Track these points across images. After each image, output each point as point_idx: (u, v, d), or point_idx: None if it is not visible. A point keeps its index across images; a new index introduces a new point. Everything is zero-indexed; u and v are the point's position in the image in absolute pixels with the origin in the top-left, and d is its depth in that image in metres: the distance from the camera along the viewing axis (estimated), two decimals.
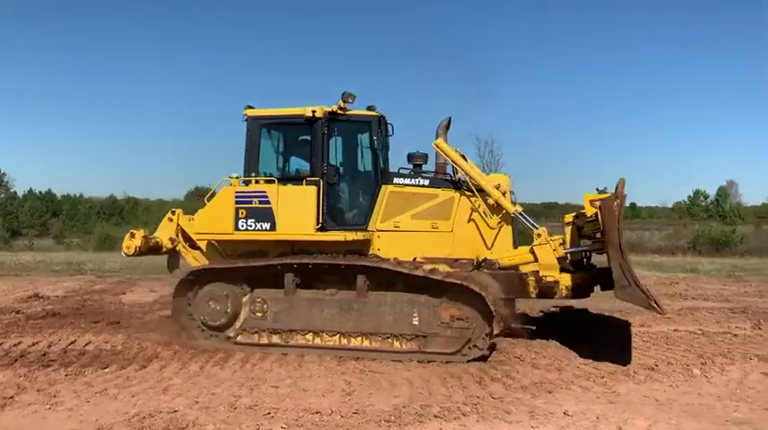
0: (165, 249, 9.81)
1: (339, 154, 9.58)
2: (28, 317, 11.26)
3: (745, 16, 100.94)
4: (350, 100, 8.80)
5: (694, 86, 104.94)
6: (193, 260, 9.69)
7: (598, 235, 8.34)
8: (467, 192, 9.12)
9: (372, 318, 8.24)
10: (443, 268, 8.49)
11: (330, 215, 8.86)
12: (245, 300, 8.73)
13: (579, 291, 8.58)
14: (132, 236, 9.44)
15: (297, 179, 8.97)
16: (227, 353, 8.37)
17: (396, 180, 9.20)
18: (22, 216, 58.10)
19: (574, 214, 9.05)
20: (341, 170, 9.42)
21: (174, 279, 9.51)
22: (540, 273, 8.59)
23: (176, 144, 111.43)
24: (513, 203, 9.11)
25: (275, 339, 8.58)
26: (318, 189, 8.69)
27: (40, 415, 5.92)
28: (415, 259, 8.77)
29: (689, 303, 13.52)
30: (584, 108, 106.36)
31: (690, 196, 76.56)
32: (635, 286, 7.44)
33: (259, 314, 8.60)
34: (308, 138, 9.11)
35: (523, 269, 8.76)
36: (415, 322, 8.12)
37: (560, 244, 8.75)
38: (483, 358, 7.91)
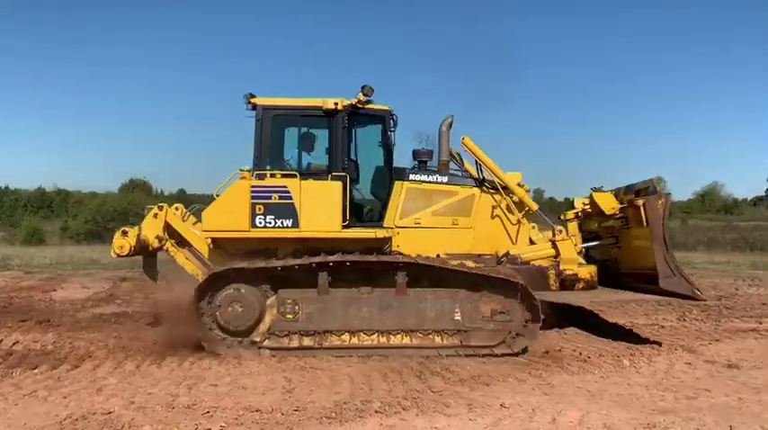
0: (150, 249, 9.15)
1: (355, 148, 9.30)
2: None
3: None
4: (370, 93, 8.64)
5: (629, 83, 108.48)
6: (185, 261, 9.12)
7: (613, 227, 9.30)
8: (488, 190, 9.31)
9: (414, 315, 8.21)
10: (470, 264, 8.53)
11: (352, 212, 8.67)
12: (269, 302, 8.25)
13: (593, 283, 9.06)
14: (125, 234, 8.76)
15: (315, 174, 8.64)
16: (162, 352, 8.16)
17: (412, 176, 9.12)
18: None
19: (575, 211, 9.52)
20: (358, 165, 9.24)
21: (152, 280, 9.59)
22: (561, 267, 8.93)
23: (111, 134, 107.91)
24: None
25: (307, 341, 8.20)
26: (344, 184, 8.46)
27: None
28: (438, 255, 8.79)
29: (618, 296, 13.97)
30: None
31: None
32: (680, 276, 8.35)
33: (290, 316, 8.16)
34: (325, 130, 8.85)
35: (543, 263, 9.08)
36: (458, 317, 8.22)
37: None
38: (524, 350, 8.23)
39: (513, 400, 6.20)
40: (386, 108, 9.02)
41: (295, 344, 8.18)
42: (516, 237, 9.34)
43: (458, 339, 8.26)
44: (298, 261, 8.05)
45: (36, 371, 7.28)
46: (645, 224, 8.49)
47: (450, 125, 9.45)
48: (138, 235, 8.92)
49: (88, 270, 20.67)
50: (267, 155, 8.73)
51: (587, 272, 9.01)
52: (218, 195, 8.54)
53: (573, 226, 9.48)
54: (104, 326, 10.13)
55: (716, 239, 33.97)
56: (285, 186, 8.32)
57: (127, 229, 8.85)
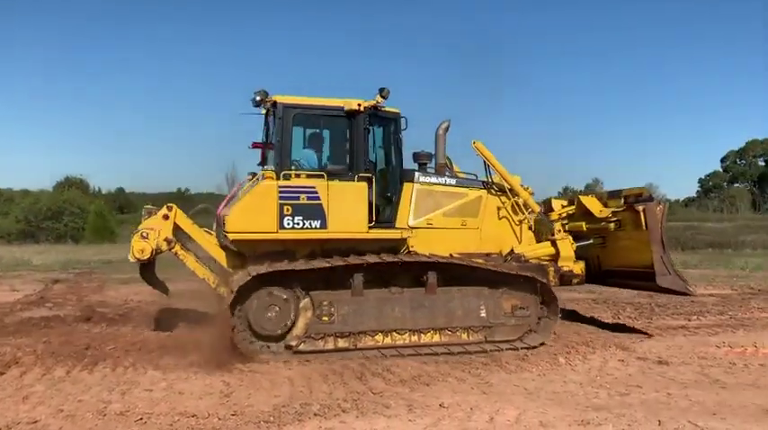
0: (159, 252, 8.59)
1: (373, 150, 9.29)
2: None
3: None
4: (387, 96, 8.67)
5: (570, 85, 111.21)
6: (195, 264, 8.66)
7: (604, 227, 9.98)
8: (494, 192, 9.73)
9: (444, 313, 8.49)
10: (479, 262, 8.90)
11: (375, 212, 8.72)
12: (302, 304, 8.10)
13: (584, 278, 9.91)
14: (145, 237, 8.21)
15: (334, 174, 8.56)
16: (95, 357, 7.89)
17: (421, 178, 9.26)
18: None
19: (559, 212, 10.24)
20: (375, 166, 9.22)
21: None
22: (559, 264, 9.60)
23: (45, 131, 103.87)
24: None
25: (342, 343, 8.19)
26: (370, 185, 8.51)
27: None
28: (451, 255, 8.91)
29: (561, 294, 14.32)
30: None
31: (559, 192, 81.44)
32: (674, 274, 9.29)
33: (326, 318, 8.11)
34: (344, 131, 8.82)
35: (544, 260, 9.68)
36: (483, 314, 8.63)
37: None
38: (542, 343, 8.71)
39: (452, 400, 6.26)
40: (397, 110, 9.10)
41: (330, 346, 8.16)
42: (520, 237, 9.82)
43: (482, 335, 8.69)
44: (341, 262, 8.06)
45: None
46: (644, 227, 9.28)
47: (447, 129, 9.79)
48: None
49: (18, 271, 19.88)
50: (288, 153, 8.56)
51: (580, 268, 9.79)
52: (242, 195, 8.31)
53: (558, 226, 10.05)
54: (33, 330, 9.72)
55: None
56: (313, 187, 8.25)
57: (146, 231, 8.28)
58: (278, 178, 8.25)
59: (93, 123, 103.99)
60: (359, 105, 8.60)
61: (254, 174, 9.06)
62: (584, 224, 10.21)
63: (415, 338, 8.46)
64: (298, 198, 8.15)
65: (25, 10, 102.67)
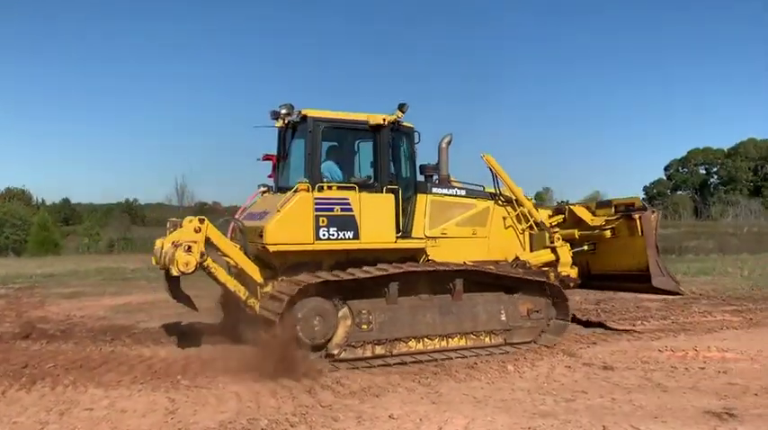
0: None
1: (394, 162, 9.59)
2: None
3: None
4: (406, 110, 9.10)
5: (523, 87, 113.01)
6: (227, 277, 8.41)
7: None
8: (500, 202, 10.30)
9: (470, 318, 8.98)
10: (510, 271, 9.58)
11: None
12: (341, 313, 8.23)
13: (578, 282, 10.60)
14: (189, 249, 7.90)
15: (363, 186, 8.83)
16: (33, 376, 7.60)
17: (434, 190, 9.66)
18: None
19: (551, 223, 10.83)
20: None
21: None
22: (559, 269, 10.19)
23: None
24: None
25: (379, 350, 8.46)
26: (397, 197, 8.88)
27: None
28: (464, 262, 9.27)
29: None
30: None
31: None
32: (668, 275, 10.11)
33: (365, 327, 8.32)
34: (369, 144, 9.28)
35: (545, 267, 10.24)
36: (503, 318, 9.17)
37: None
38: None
39: (401, 411, 6.25)
40: (412, 125, 9.51)
41: (368, 353, 8.40)
42: (524, 244, 10.41)
43: (502, 338, 9.25)
44: (406, 268, 8.44)
45: None
46: (640, 233, 10.01)
47: (450, 142, 10.16)
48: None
49: None
50: (318, 166, 8.79)
51: (575, 273, 10.43)
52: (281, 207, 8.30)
53: (558, 234, 10.54)
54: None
55: None
56: (346, 198, 8.56)
57: (190, 244, 8.01)
58: (311, 190, 8.42)
59: (35, 134, 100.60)
60: (384, 120, 9.00)
61: (265, 186, 9.62)
62: (576, 232, 10.77)
63: (444, 343, 8.86)
64: (332, 209, 8.46)
65: None
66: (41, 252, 37.03)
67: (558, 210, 11.37)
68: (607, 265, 10.77)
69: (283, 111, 8.98)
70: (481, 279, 9.10)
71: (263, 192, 9.67)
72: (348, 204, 8.53)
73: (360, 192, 8.66)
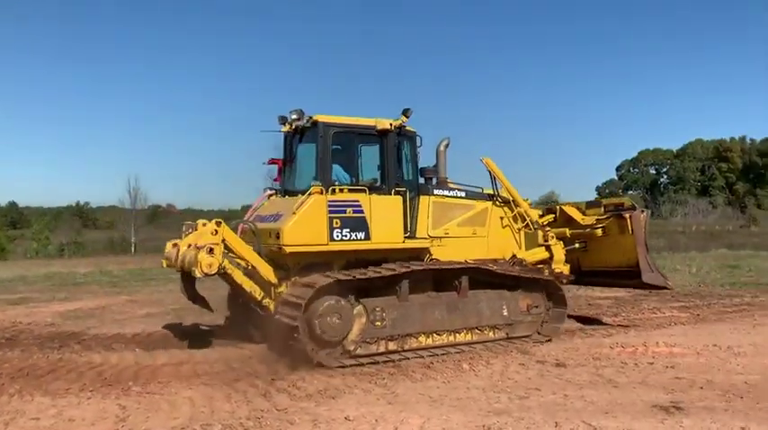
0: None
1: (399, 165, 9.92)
2: None
3: None
4: (410, 115, 9.41)
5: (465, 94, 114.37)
6: (243, 278, 8.65)
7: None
8: (498, 203, 10.69)
9: (475, 314, 9.35)
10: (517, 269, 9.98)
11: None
12: (356, 311, 8.46)
13: (571, 278, 11.08)
14: (212, 251, 8.04)
15: (371, 188, 9.08)
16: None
17: (436, 191, 10.00)
18: None
19: (542, 222, 11.16)
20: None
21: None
22: (553, 266, 10.65)
23: None
24: None
25: (392, 346, 8.73)
26: (405, 198, 9.24)
27: None
28: (465, 260, 9.66)
29: None
30: None
31: None
32: (656, 271, 10.79)
33: (379, 323, 8.58)
34: (376, 148, 9.55)
35: (540, 264, 10.69)
36: (506, 313, 9.59)
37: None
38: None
39: (357, 412, 6.25)
40: (414, 130, 9.84)
41: (382, 349, 8.68)
42: (520, 243, 10.82)
43: (505, 332, 9.64)
44: (417, 266, 8.87)
45: None
46: (630, 232, 10.64)
47: (448, 146, 10.70)
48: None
49: None
50: (330, 169, 9.08)
51: (568, 269, 10.92)
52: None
53: (551, 233, 10.97)
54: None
55: None
56: (357, 200, 8.87)
57: (211, 246, 8.14)
58: (323, 193, 8.69)
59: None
60: (390, 125, 9.32)
61: (271, 190, 10.00)
62: (567, 230, 11.29)
63: (451, 338, 9.23)
64: (344, 211, 8.77)
65: None
66: None
67: (548, 210, 11.97)
68: (597, 262, 11.37)
69: (293, 117, 9.33)
70: (485, 277, 9.49)
71: (270, 195, 10.00)
72: (359, 206, 8.87)
73: (369, 194, 8.95)
